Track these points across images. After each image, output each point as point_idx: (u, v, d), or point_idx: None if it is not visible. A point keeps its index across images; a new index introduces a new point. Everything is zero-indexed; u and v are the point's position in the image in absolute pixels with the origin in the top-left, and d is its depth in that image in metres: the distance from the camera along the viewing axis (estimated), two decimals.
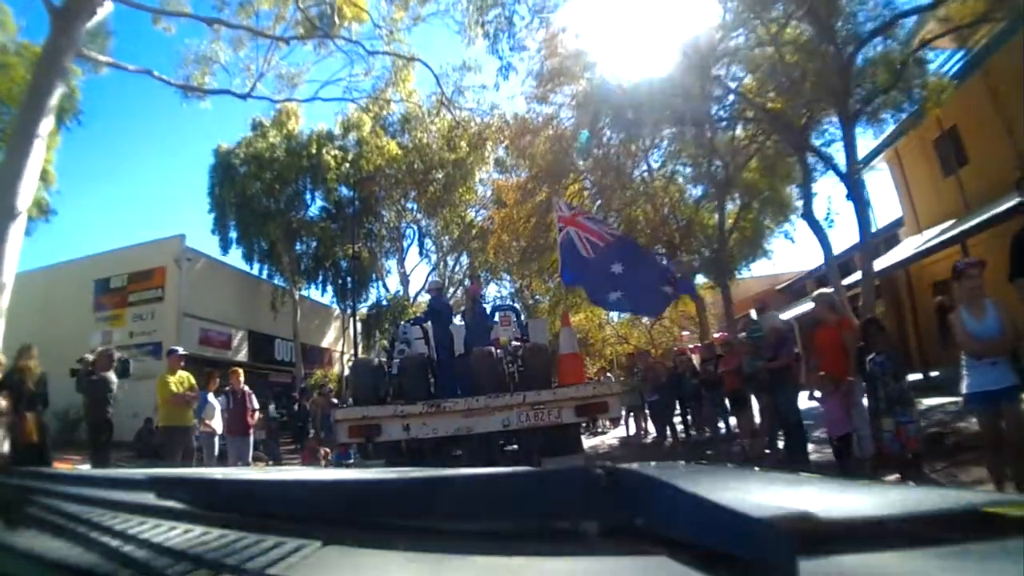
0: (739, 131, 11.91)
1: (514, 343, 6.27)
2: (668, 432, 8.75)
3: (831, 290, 5.95)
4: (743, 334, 6.72)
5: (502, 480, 0.51)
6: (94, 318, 14.68)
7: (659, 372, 8.85)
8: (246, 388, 6.88)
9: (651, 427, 9.63)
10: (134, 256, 15.03)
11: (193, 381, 6.17)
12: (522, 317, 7.98)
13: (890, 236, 13.78)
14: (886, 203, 25.42)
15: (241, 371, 7.11)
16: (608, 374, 14.86)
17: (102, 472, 2.06)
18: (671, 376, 8.51)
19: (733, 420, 7.43)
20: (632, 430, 10.21)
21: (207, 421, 6.44)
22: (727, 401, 7.23)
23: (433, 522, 0.48)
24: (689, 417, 8.66)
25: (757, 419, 6.71)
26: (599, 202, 13.30)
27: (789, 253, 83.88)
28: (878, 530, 0.43)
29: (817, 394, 4.60)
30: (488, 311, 6.83)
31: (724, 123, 11.30)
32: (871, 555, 0.40)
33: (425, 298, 15.45)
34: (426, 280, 21.44)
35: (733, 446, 7.20)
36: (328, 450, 8.41)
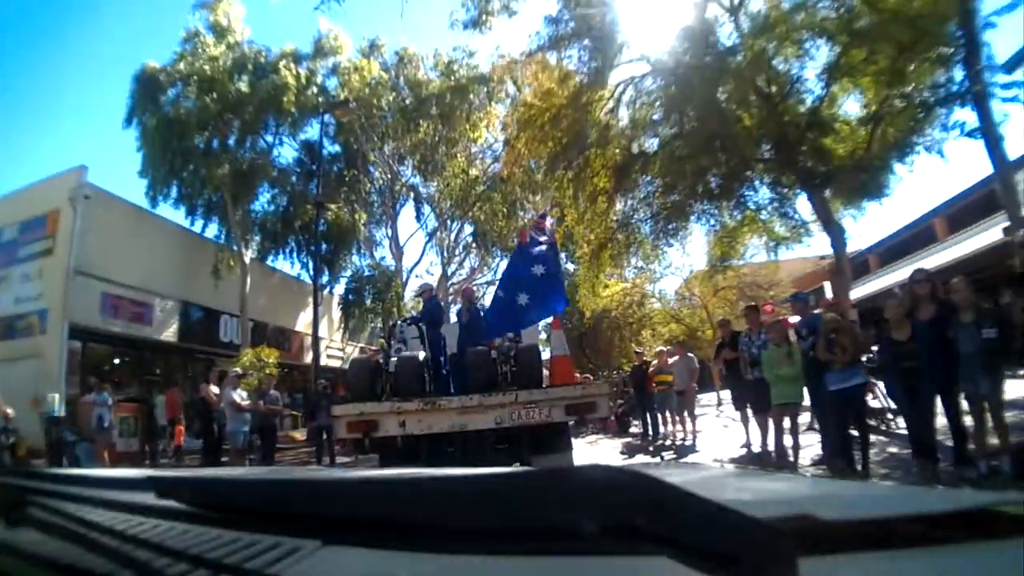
0: None
1: (507, 344, 6.46)
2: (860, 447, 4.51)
3: None
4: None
5: (503, 480, 0.51)
6: None
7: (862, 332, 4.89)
8: None
9: (768, 435, 5.72)
10: (27, 199, 11.73)
11: None
12: None
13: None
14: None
15: None
16: (690, 354, 9.09)
17: (102, 472, 2.07)
18: (927, 319, 4.01)
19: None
20: (743, 438, 6.64)
21: None
22: None
23: (433, 522, 0.48)
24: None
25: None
26: (658, 101, 9.50)
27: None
28: (878, 530, 0.43)
29: None
30: (482, 313, 7.02)
31: None
32: (871, 555, 0.40)
33: (416, 296, 14.92)
34: (415, 266, 20.07)
35: None
36: None
